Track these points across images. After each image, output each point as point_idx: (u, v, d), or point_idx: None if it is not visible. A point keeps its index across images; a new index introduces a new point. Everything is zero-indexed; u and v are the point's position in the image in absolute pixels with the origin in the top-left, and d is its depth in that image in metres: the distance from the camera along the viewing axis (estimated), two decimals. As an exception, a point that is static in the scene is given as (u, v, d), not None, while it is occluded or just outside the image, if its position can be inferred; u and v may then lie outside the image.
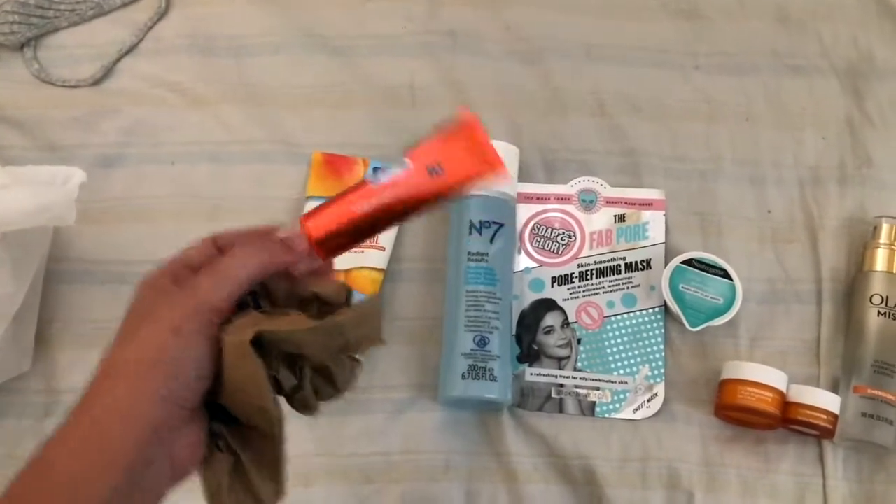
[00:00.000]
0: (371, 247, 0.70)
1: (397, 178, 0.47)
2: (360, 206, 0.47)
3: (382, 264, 0.70)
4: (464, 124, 0.47)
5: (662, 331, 0.70)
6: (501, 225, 0.69)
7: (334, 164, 0.74)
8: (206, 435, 0.44)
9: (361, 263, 0.69)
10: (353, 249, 0.52)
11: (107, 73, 0.77)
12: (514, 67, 0.78)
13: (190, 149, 0.75)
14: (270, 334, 0.43)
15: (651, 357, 0.69)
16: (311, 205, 0.72)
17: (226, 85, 0.77)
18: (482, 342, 0.65)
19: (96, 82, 0.77)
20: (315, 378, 0.47)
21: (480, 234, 0.69)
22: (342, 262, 0.68)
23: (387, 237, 0.71)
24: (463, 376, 0.65)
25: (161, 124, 0.76)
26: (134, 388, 0.40)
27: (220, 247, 0.46)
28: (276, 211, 0.73)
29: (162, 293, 0.43)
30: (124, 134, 0.75)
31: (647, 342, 0.70)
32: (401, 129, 0.76)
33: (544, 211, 0.74)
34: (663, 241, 0.72)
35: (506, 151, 0.72)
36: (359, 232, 0.47)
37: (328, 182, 0.73)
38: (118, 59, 0.78)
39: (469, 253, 0.68)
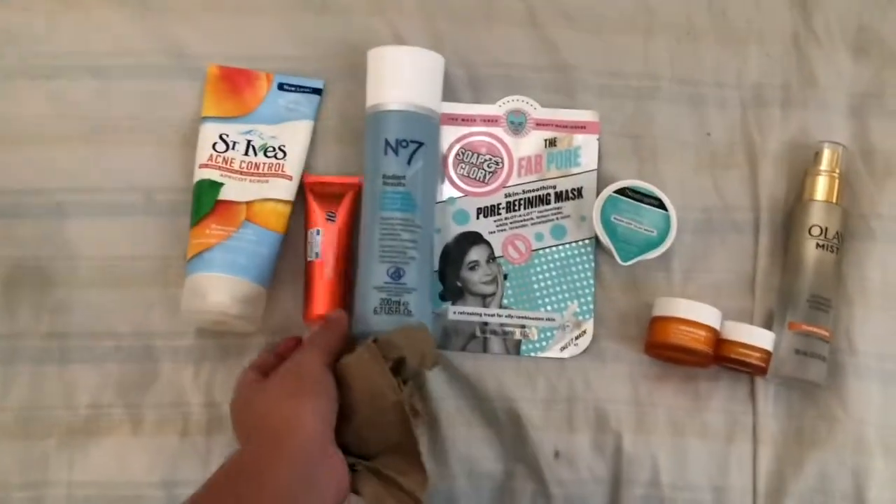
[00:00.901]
0: (276, 175, 0.63)
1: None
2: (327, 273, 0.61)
3: (290, 195, 0.63)
4: None
5: (592, 264, 0.65)
6: (421, 144, 0.62)
7: (233, 79, 0.66)
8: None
9: (265, 195, 0.62)
10: (257, 179, 0.63)
11: (-37, -31, 0.66)
12: (437, -30, 0.70)
13: (67, 61, 0.66)
14: (384, 338, 0.56)
15: (580, 292, 0.65)
16: (206, 127, 0.64)
17: (106, -15, 0.67)
18: (396, 274, 0.60)
19: (-50, -19, 0.66)
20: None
21: (397, 154, 0.62)
22: (244, 193, 0.62)
23: (294, 162, 0.64)
24: (375, 311, 0.59)
25: (32, 33, 0.66)
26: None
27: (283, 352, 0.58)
28: (168, 133, 0.65)
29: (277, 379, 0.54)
30: (-13, 43, 0.66)
31: (576, 276, 0.65)
32: (310, 38, 0.68)
33: (470, 134, 0.68)
34: (596, 167, 0.67)
35: (430, 60, 0.64)
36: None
37: (226, 101, 0.65)
38: (-25, -47, 0.67)
39: (384, 176, 0.62)
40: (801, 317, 0.63)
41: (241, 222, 0.61)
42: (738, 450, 0.63)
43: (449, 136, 0.67)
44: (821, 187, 0.66)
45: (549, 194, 0.67)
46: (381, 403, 0.54)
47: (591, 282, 0.65)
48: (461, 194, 0.67)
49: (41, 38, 0.66)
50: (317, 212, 0.63)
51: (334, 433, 0.53)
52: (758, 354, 0.62)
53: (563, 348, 0.64)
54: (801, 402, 0.64)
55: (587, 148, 0.68)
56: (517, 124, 0.68)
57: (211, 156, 0.63)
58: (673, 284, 0.66)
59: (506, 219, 0.67)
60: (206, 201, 0.61)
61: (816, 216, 0.65)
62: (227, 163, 0.63)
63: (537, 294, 0.65)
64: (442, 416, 0.62)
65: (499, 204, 0.67)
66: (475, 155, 0.67)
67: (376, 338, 0.56)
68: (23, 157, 0.64)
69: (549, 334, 0.64)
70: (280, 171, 0.63)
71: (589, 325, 0.65)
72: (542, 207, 0.67)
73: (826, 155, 0.66)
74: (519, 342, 0.64)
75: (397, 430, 0.55)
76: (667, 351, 0.62)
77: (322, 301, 0.61)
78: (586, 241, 0.66)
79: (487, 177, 0.67)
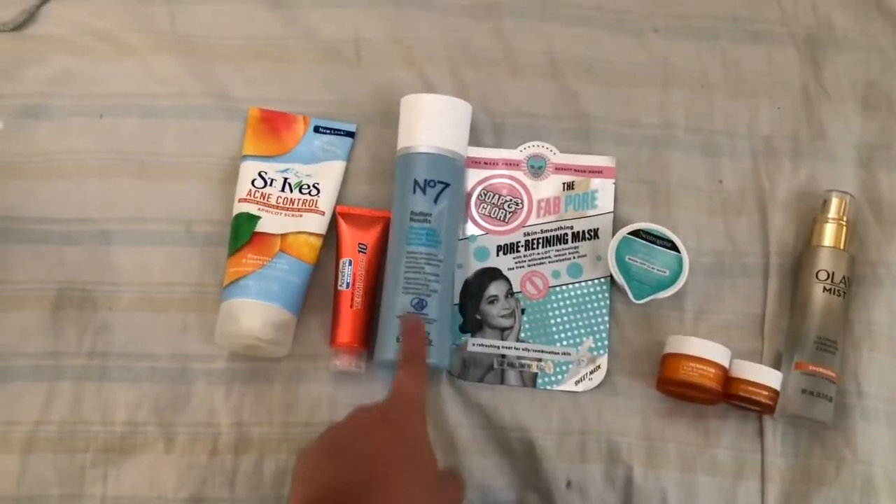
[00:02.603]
0: (310, 210, 0.67)
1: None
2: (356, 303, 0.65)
3: (321, 229, 0.67)
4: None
5: (608, 302, 0.68)
6: (447, 185, 0.66)
7: (272, 121, 0.70)
8: None
9: (299, 228, 0.66)
10: (292, 213, 0.67)
11: (30, 17, 0.72)
12: (464, 22, 0.75)
13: (119, 101, 0.71)
14: None
15: (595, 329, 0.68)
16: (246, 165, 0.68)
17: (158, 33, 0.73)
18: (420, 304, 0.63)
19: (18, 27, 0.72)
20: None
21: (425, 193, 0.66)
22: (280, 226, 0.65)
23: (327, 199, 0.68)
24: (398, 338, 0.63)
25: (88, 74, 0.71)
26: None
27: None
28: (209, 170, 0.69)
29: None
30: (49, 84, 0.71)
31: (591, 313, 0.68)
32: (344, 85, 0.72)
33: (492, 177, 0.71)
34: (612, 210, 0.70)
35: (459, 107, 0.69)
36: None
37: (265, 141, 0.69)
38: (42, 4, 0.73)
39: (412, 212, 0.65)
40: (807, 357, 0.65)
41: (275, 253, 0.64)
42: (745, 486, 0.65)
43: (473, 177, 0.71)
44: (828, 234, 0.68)
45: (566, 234, 0.70)
46: None
47: (606, 318, 0.68)
48: (482, 232, 0.70)
49: (98, 79, 0.71)
50: (349, 242, 0.66)
51: None
52: (765, 393, 0.64)
53: (577, 382, 0.67)
54: (809, 441, 0.66)
55: (604, 191, 0.71)
56: (537, 168, 0.72)
57: (250, 191, 0.67)
58: (685, 324, 0.68)
59: (524, 256, 0.70)
60: (243, 232, 0.65)
61: (824, 261, 0.67)
62: (264, 198, 0.67)
63: (554, 329, 0.68)
64: (458, 444, 0.65)
65: (518, 242, 0.70)
66: (496, 196, 0.71)
67: None
68: (75, 188, 0.68)
69: (564, 368, 0.67)
70: (314, 207, 0.67)
71: (603, 361, 0.67)
72: (559, 246, 0.70)
73: (834, 203, 0.69)
74: (535, 375, 0.67)
75: None
76: (677, 387, 0.64)
77: (349, 329, 0.64)
78: (602, 280, 0.69)
79: (508, 216, 0.71)
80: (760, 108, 0.74)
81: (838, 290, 0.66)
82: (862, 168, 0.73)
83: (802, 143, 0.73)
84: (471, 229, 0.70)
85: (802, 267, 0.68)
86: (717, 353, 0.64)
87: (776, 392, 0.64)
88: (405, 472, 0.49)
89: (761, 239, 0.70)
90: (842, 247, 0.68)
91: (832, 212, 0.69)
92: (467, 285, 0.69)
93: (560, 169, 0.72)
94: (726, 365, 0.64)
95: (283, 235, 0.65)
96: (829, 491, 0.64)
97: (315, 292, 0.67)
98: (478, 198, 0.71)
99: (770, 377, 0.64)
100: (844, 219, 0.69)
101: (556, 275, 0.69)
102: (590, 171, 0.72)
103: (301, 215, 0.67)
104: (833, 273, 0.67)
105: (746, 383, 0.64)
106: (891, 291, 0.69)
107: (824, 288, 0.66)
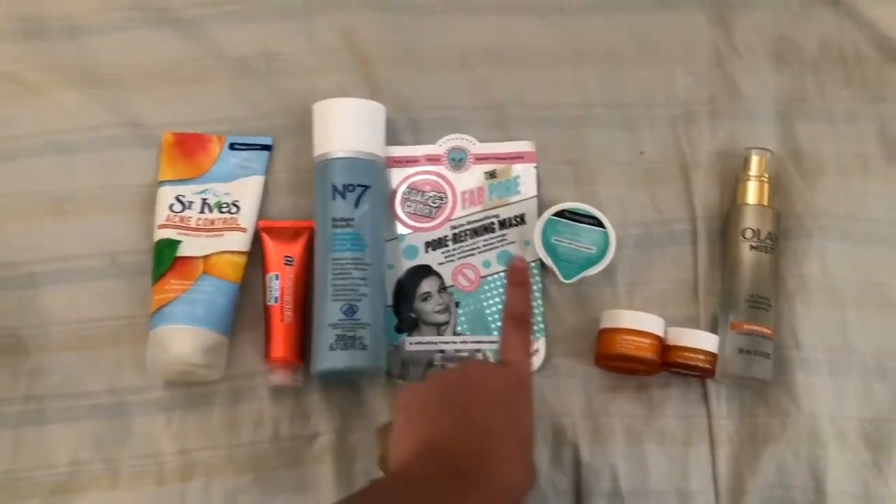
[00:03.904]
0: (230, 229, 0.67)
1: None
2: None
3: (244, 246, 0.67)
4: None
5: (540, 286, 0.68)
6: (367, 187, 0.66)
7: (186, 143, 0.70)
8: None
9: (221, 248, 0.66)
10: (213, 234, 0.66)
11: (-69, 66, 0.72)
12: (372, 23, 0.74)
13: (31, 141, 0.70)
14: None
15: (530, 314, 0.68)
16: (163, 190, 0.68)
17: (64, 68, 0.72)
18: (350, 311, 0.63)
19: (-80, 78, 0.71)
20: None
21: (344, 197, 0.65)
22: (201, 248, 0.65)
23: (247, 216, 0.68)
24: (331, 347, 0.62)
25: (-3, 118, 0.71)
26: None
27: None
28: (129, 200, 0.69)
29: None
30: (-43, 131, 0.70)
31: (525, 299, 0.68)
32: (258, 100, 0.72)
33: (415, 174, 0.71)
34: (535, 194, 0.70)
35: (371, 109, 0.68)
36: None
37: (181, 164, 0.69)
38: (-58, 51, 0.72)
39: (333, 219, 0.65)
40: (741, 317, 0.65)
41: (198, 275, 0.64)
42: (695, 452, 0.65)
43: (395, 177, 0.71)
44: (751, 191, 0.68)
45: (493, 223, 0.70)
46: None
47: (540, 302, 0.68)
48: (410, 231, 0.70)
49: (7, 121, 0.71)
50: (274, 256, 0.66)
51: None
52: (703, 357, 0.64)
53: (517, 368, 0.67)
54: (754, 400, 0.66)
55: (526, 177, 0.71)
56: (458, 160, 0.72)
57: (168, 216, 0.66)
58: (619, 298, 0.68)
59: (453, 250, 0.70)
60: (165, 259, 0.65)
61: (748, 219, 0.67)
62: (183, 221, 0.66)
63: (489, 319, 0.68)
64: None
65: (446, 236, 0.70)
66: (420, 193, 0.71)
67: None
68: (-4, 234, 0.68)
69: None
70: (234, 225, 0.67)
71: (541, 344, 0.67)
72: (487, 236, 0.70)
73: (754, 160, 0.69)
74: (476, 367, 0.67)
75: None
76: (615, 361, 0.64)
77: (281, 343, 0.64)
78: (532, 265, 0.69)
79: (433, 212, 0.71)
80: (675, 76, 0.74)
81: (765, 247, 0.67)
82: (780, 122, 0.73)
83: (719, 105, 0.73)
84: (399, 229, 0.70)
85: (729, 227, 0.69)
86: (649, 323, 0.64)
87: (714, 355, 0.64)
88: (515, 429, 0.52)
89: (687, 205, 0.71)
90: (766, 203, 0.68)
91: (753, 169, 0.69)
92: (399, 285, 0.69)
93: (480, 159, 0.72)
94: (661, 334, 0.64)
95: (205, 257, 0.65)
96: (776, 447, 0.64)
97: (246, 310, 0.66)
98: (402, 196, 0.71)
99: (706, 341, 0.64)
100: (766, 175, 0.69)
101: (487, 264, 0.69)
102: (510, 158, 0.72)
103: (222, 235, 0.66)
104: (759, 230, 0.67)
105: (683, 350, 0.64)
106: (820, 242, 0.69)
107: (751, 246, 0.67)
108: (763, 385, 0.65)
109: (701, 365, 0.64)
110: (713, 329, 0.67)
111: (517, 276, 0.67)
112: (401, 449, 0.53)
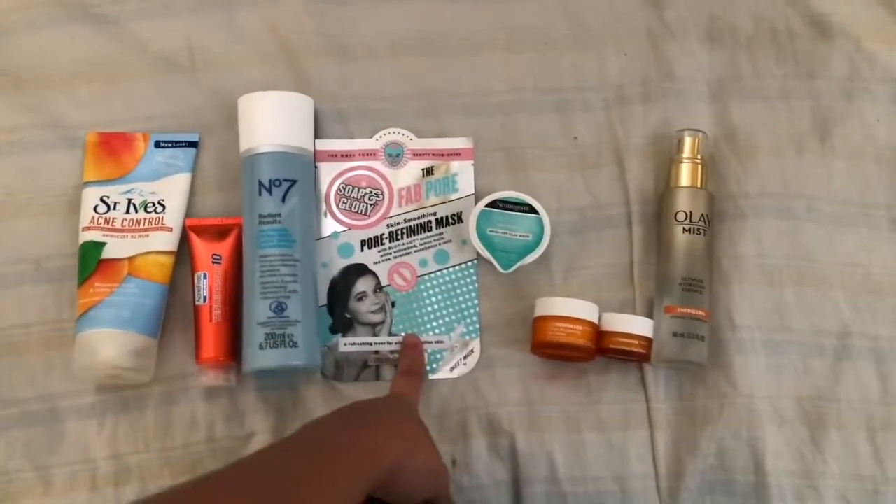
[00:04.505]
0: (156, 228, 0.65)
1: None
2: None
3: (171, 246, 0.65)
4: None
5: (476, 285, 0.68)
6: (294, 182, 0.65)
7: (110, 143, 0.68)
8: None
9: (147, 248, 0.65)
10: (138, 234, 0.65)
11: None
12: (297, 15, 0.72)
13: (-49, 146, 0.69)
14: None
15: (466, 314, 0.67)
16: (87, 191, 0.66)
17: (-19, 71, 0.70)
18: (279, 308, 0.62)
19: None
20: None
21: (271, 193, 0.64)
22: (126, 250, 0.64)
23: (173, 215, 0.66)
24: (261, 346, 0.61)
25: (-86, 123, 0.69)
26: None
27: None
28: (54, 203, 0.67)
29: None
30: None
31: (461, 298, 0.67)
32: (182, 96, 0.71)
33: (350, 169, 0.70)
34: (473, 192, 0.69)
35: (298, 102, 0.67)
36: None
37: (106, 164, 0.67)
38: None
39: (260, 215, 0.64)
40: (675, 300, 0.65)
41: (123, 278, 0.63)
42: (635, 437, 0.65)
43: (330, 172, 0.70)
44: (684, 174, 0.68)
45: (429, 221, 0.69)
46: None
47: (476, 302, 0.67)
48: (344, 228, 0.69)
49: (-75, 127, 0.69)
50: (202, 255, 0.65)
51: None
52: (637, 342, 0.63)
53: (452, 369, 0.66)
54: (691, 383, 0.66)
55: (463, 174, 0.70)
56: (395, 156, 0.71)
57: (93, 218, 0.65)
58: (555, 285, 0.68)
59: (389, 248, 0.69)
60: (89, 262, 0.63)
61: (681, 202, 0.67)
62: (108, 222, 0.65)
63: (425, 319, 0.67)
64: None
65: (382, 234, 0.69)
66: (356, 189, 0.70)
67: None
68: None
69: (438, 356, 0.66)
70: (160, 225, 0.66)
71: (475, 345, 0.66)
72: (423, 235, 0.69)
73: (687, 142, 0.69)
74: (411, 363, 0.66)
75: None
76: (550, 349, 0.64)
77: (211, 343, 0.63)
78: (469, 264, 0.68)
79: (369, 209, 0.69)
80: (607, 58, 0.73)
81: (698, 229, 0.66)
82: (714, 102, 0.72)
83: (652, 87, 0.72)
84: (332, 226, 0.69)
85: (662, 210, 0.68)
86: (582, 309, 0.63)
87: (649, 340, 0.64)
88: (421, 442, 0.54)
89: (621, 189, 0.70)
90: (699, 185, 0.68)
91: (686, 151, 0.68)
92: (334, 284, 0.68)
93: (418, 155, 0.70)
94: (594, 320, 0.64)
95: (130, 259, 0.64)
96: (714, 429, 0.64)
97: (176, 311, 0.65)
98: (337, 192, 0.70)
99: (640, 325, 0.64)
100: (699, 157, 0.68)
101: (424, 263, 0.68)
102: (448, 155, 0.71)
103: (148, 235, 0.65)
104: (691, 212, 0.66)
105: (618, 335, 0.64)
106: (754, 222, 0.69)
107: (684, 228, 0.66)
108: (699, 368, 0.65)
109: (636, 350, 0.63)
110: (649, 313, 0.67)
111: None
112: None
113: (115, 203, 0.66)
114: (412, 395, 0.61)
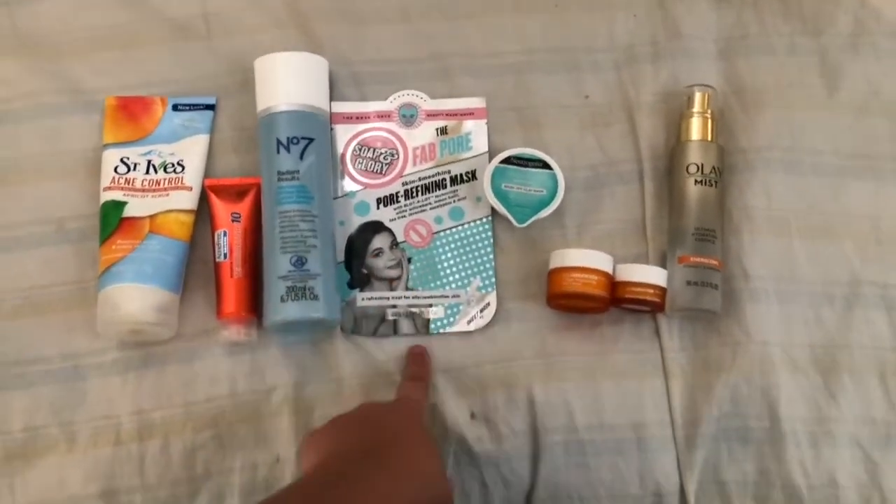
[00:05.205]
0: (176, 188, 0.66)
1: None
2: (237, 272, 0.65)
3: (191, 205, 0.66)
4: None
5: (491, 241, 0.68)
6: (311, 140, 0.66)
7: (129, 107, 0.69)
8: None
9: (168, 207, 0.66)
10: (158, 194, 0.66)
11: None
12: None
13: (-29, 112, 0.70)
14: None
15: (482, 268, 0.68)
16: (108, 153, 0.67)
17: (0, 37, 0.71)
18: (299, 262, 0.63)
19: None
20: None
21: (289, 151, 0.65)
22: (147, 208, 0.65)
23: (193, 174, 0.67)
24: (282, 299, 0.62)
25: (-68, 89, 0.70)
26: None
27: None
28: (73, 165, 0.68)
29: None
30: None
31: (476, 253, 0.68)
32: (198, 61, 0.72)
33: (365, 131, 0.71)
34: (486, 150, 0.70)
35: (313, 62, 0.68)
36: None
37: (125, 127, 0.69)
38: None
39: (279, 172, 0.65)
40: (689, 250, 0.66)
41: (145, 235, 0.64)
42: (650, 386, 0.66)
43: (346, 133, 0.71)
44: (694, 128, 0.69)
45: (444, 179, 0.70)
46: None
47: (491, 257, 0.68)
48: (360, 187, 0.70)
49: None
50: (221, 213, 0.66)
51: None
52: (652, 291, 0.64)
53: (469, 321, 0.67)
54: (705, 332, 0.67)
55: (477, 132, 0.71)
56: (409, 117, 0.72)
57: (113, 178, 0.66)
58: (568, 240, 0.69)
59: (405, 206, 0.70)
60: (111, 220, 0.64)
61: (693, 155, 0.68)
62: (129, 183, 0.66)
63: (441, 274, 0.68)
64: (356, 397, 0.65)
65: (397, 192, 0.70)
66: (371, 149, 0.71)
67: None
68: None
69: (455, 310, 0.67)
70: (180, 184, 0.67)
71: (492, 298, 0.67)
72: (438, 192, 0.70)
73: (697, 97, 0.70)
74: (428, 321, 0.67)
75: None
76: (565, 300, 0.65)
77: (233, 298, 0.64)
78: (483, 220, 0.69)
79: (384, 168, 0.71)
80: (616, 19, 0.74)
81: (709, 181, 0.67)
82: (722, 60, 0.73)
83: (661, 46, 0.73)
84: (349, 185, 0.70)
85: (674, 164, 0.69)
86: (597, 259, 0.64)
87: (663, 289, 0.65)
88: (415, 437, 0.54)
89: (633, 145, 0.71)
90: (709, 138, 0.69)
91: (696, 106, 0.70)
92: (351, 241, 0.69)
93: (432, 115, 0.72)
94: (609, 270, 0.65)
95: (151, 217, 0.65)
96: (728, 376, 0.65)
97: (197, 269, 0.66)
98: (353, 153, 0.71)
99: (654, 275, 0.65)
100: (709, 111, 0.69)
101: (439, 220, 0.69)
102: (461, 114, 0.72)
103: (168, 194, 0.66)
104: (702, 164, 0.67)
105: (632, 285, 0.64)
106: (763, 174, 0.70)
107: (696, 180, 0.67)
108: (713, 316, 0.66)
109: (650, 299, 0.64)
110: (662, 266, 0.67)
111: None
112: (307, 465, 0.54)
113: (136, 164, 0.67)
114: (419, 398, 0.61)
